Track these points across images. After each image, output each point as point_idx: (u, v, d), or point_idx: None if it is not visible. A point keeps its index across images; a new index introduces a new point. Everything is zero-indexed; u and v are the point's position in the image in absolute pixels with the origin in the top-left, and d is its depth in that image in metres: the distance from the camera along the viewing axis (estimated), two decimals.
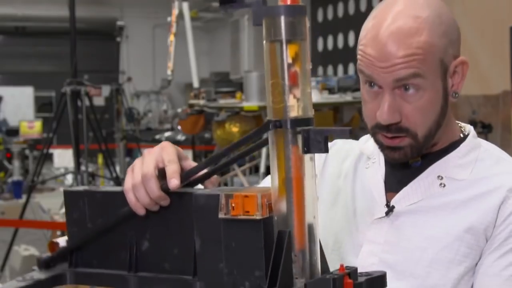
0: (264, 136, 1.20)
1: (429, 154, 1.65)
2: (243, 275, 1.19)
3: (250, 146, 1.27)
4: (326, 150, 1.13)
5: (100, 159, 10.61)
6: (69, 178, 11.62)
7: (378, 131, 1.60)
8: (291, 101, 1.14)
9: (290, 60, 1.14)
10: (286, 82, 1.14)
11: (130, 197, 1.29)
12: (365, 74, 1.58)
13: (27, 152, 13.60)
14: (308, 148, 1.14)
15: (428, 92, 1.56)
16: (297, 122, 1.14)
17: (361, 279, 1.18)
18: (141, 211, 1.29)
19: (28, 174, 12.93)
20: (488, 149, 1.68)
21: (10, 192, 12.66)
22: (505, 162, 1.65)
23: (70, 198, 1.40)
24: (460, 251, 1.56)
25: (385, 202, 1.65)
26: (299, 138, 1.14)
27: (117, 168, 7.07)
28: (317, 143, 1.13)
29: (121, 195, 1.31)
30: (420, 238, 1.59)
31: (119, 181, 7.23)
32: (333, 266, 1.60)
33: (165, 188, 1.28)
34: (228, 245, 1.20)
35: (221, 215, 1.20)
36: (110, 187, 1.41)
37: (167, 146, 1.35)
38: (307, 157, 1.15)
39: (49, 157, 10.72)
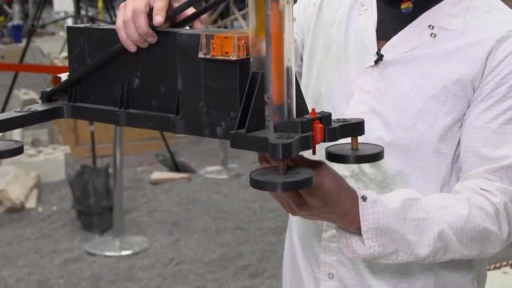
0: None
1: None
2: (220, 115, 1.22)
3: None
4: None
5: (100, 3, 10.52)
6: (69, 22, 11.55)
7: None
8: None
9: None
10: None
11: (121, 34, 1.31)
12: None
13: None
14: None
15: None
16: None
17: (335, 125, 1.20)
18: (132, 48, 1.32)
19: (28, 18, 12.86)
20: None
21: (10, 36, 12.62)
22: (498, 11, 1.62)
23: (72, 34, 1.43)
24: (447, 102, 1.57)
25: (375, 51, 1.65)
26: None
27: (117, 12, 6.97)
28: None
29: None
30: (408, 88, 1.60)
31: None
32: None
33: (152, 25, 1.29)
34: (207, 85, 1.23)
35: (200, 55, 1.22)
36: (109, 25, 1.43)
37: None
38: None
39: (49, 1, 10.63)
